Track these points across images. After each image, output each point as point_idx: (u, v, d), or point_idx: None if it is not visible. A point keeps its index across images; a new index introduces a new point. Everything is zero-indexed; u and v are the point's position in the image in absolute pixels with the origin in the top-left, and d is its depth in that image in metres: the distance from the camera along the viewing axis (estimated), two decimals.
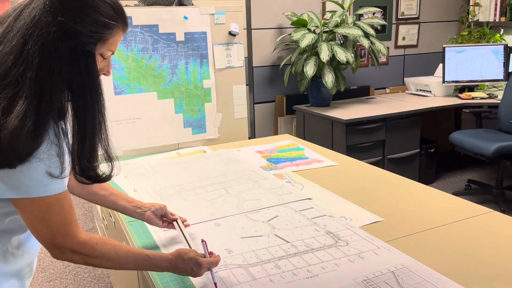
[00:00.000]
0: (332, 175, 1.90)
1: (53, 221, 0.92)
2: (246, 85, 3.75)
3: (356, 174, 1.91)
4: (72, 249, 0.94)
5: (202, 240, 1.15)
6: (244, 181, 1.83)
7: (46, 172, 0.88)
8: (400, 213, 1.48)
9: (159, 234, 1.37)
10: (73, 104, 0.89)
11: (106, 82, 2.19)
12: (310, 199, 1.62)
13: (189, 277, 1.09)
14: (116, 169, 1.03)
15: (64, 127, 0.91)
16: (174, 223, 1.35)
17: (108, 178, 1.02)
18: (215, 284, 1.06)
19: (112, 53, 0.98)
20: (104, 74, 1.00)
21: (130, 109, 2.28)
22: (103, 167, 1.01)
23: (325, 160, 2.10)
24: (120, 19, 0.95)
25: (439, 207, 1.52)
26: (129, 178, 1.93)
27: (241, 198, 1.65)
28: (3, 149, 0.82)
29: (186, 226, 1.37)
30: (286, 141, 2.48)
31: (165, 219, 1.36)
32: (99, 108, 0.92)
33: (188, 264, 1.06)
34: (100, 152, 0.97)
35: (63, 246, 0.94)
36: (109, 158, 1.00)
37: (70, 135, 0.93)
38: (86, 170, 0.94)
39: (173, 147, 2.42)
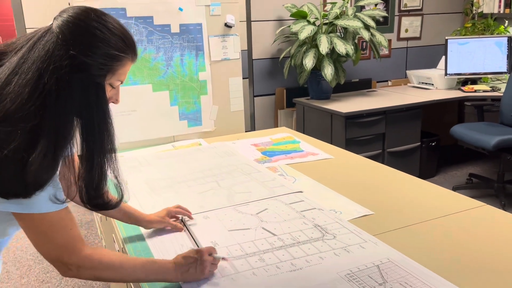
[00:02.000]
0: (326, 168, 1.88)
1: (56, 238, 0.92)
2: (245, 78, 3.75)
3: (350, 168, 1.89)
4: (78, 265, 0.94)
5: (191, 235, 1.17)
6: (237, 174, 1.82)
7: (53, 196, 0.90)
8: (391, 206, 1.47)
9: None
10: (82, 134, 0.90)
11: None
12: (301, 192, 1.60)
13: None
14: (126, 195, 1.05)
15: (70, 155, 0.93)
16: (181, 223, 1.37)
17: (116, 205, 1.03)
18: (223, 258, 1.11)
19: (121, 82, 1.00)
20: (113, 102, 1.02)
21: (125, 101, 2.27)
22: (112, 193, 1.03)
23: (320, 153, 2.09)
24: (130, 50, 0.96)
25: (431, 201, 1.50)
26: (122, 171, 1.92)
27: (232, 191, 1.64)
28: (28, 182, 0.84)
29: (190, 218, 1.39)
30: (282, 134, 2.47)
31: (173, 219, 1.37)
32: (108, 138, 0.93)
33: (189, 256, 1.06)
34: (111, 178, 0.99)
35: (69, 262, 0.94)
36: (119, 187, 1.01)
37: (76, 163, 0.95)
38: (93, 199, 0.95)
39: (168, 140, 2.41)
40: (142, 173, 1.88)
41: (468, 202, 1.47)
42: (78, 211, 3.42)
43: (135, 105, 2.30)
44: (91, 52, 0.88)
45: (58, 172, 0.90)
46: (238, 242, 1.25)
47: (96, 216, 2.39)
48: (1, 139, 0.83)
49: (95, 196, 0.95)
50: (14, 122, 0.83)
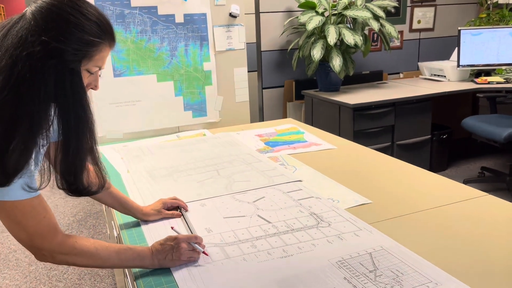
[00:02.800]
0: (328, 158, 1.86)
1: (28, 226, 0.92)
2: (254, 71, 3.74)
3: (352, 158, 1.87)
4: (51, 250, 0.95)
5: (172, 228, 1.18)
6: (237, 163, 1.82)
7: (25, 184, 0.90)
8: (389, 195, 1.45)
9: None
10: (58, 120, 0.90)
11: (105, 64, 2.21)
12: (300, 181, 1.59)
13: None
14: (107, 183, 1.05)
15: (45, 142, 0.92)
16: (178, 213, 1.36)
17: (96, 192, 1.03)
18: (203, 252, 1.09)
19: (100, 68, 0.99)
20: (92, 88, 1.01)
21: (130, 92, 2.28)
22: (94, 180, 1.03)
23: (323, 144, 2.07)
24: (106, 36, 0.95)
25: (432, 190, 1.47)
26: (124, 160, 1.94)
27: (231, 179, 1.64)
28: (8, 170, 0.84)
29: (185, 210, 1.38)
30: (287, 125, 2.45)
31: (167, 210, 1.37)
32: (85, 124, 0.93)
33: (166, 243, 1.06)
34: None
35: (43, 248, 0.94)
36: (99, 173, 1.01)
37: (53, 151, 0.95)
38: (71, 185, 0.95)
39: (173, 130, 2.42)
40: (145, 162, 1.89)
41: (471, 192, 1.44)
42: (87, 202, 3.47)
43: (139, 95, 2.31)
44: (63, 37, 0.87)
45: (32, 160, 0.89)
46: (232, 229, 1.24)
47: (104, 206, 2.42)
48: None
49: (73, 182, 0.95)
50: None
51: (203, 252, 1.10)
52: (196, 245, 1.09)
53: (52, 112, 0.89)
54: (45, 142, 0.91)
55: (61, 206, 3.45)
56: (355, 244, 1.13)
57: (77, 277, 2.53)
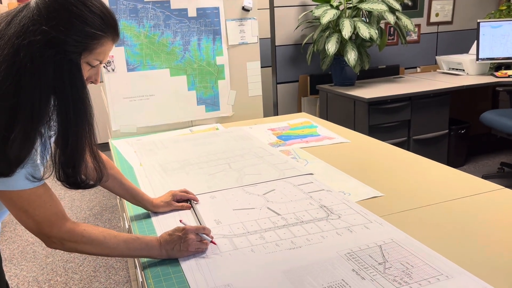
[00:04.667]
0: (341, 152, 1.84)
1: (36, 214, 0.93)
2: (269, 66, 3.72)
3: (365, 151, 1.84)
4: (60, 237, 0.96)
5: (180, 221, 1.18)
6: (249, 156, 1.81)
7: (28, 174, 0.90)
8: (402, 189, 1.42)
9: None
10: (57, 112, 0.90)
11: (119, 59, 2.23)
12: (311, 174, 1.58)
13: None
14: (105, 176, 1.05)
15: (52, 133, 0.93)
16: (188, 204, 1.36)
17: (94, 185, 1.03)
18: (212, 242, 1.09)
19: (101, 62, 0.98)
20: (92, 82, 1.01)
21: (143, 86, 2.30)
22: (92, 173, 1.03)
23: (336, 137, 2.05)
24: (109, 29, 0.94)
25: (446, 183, 1.44)
26: (137, 153, 1.95)
27: (242, 172, 1.63)
28: (11, 160, 0.85)
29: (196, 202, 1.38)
30: (300, 119, 2.44)
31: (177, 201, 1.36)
32: (84, 116, 0.92)
33: (174, 234, 1.07)
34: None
35: (51, 235, 0.95)
36: (97, 166, 1.01)
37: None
38: (69, 177, 0.95)
39: (186, 125, 2.43)
40: (158, 155, 1.90)
41: (486, 186, 1.40)
42: (103, 196, 3.51)
43: (153, 89, 2.32)
44: (64, 28, 0.87)
45: (35, 150, 0.90)
46: (241, 221, 1.24)
47: (118, 199, 2.45)
48: None
49: (72, 174, 0.95)
50: None
51: (211, 242, 1.10)
52: (204, 235, 1.09)
53: (51, 104, 0.89)
54: (52, 132, 0.92)
55: (77, 200, 3.50)
56: (364, 236, 1.11)
57: (92, 269, 2.56)
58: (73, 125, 0.91)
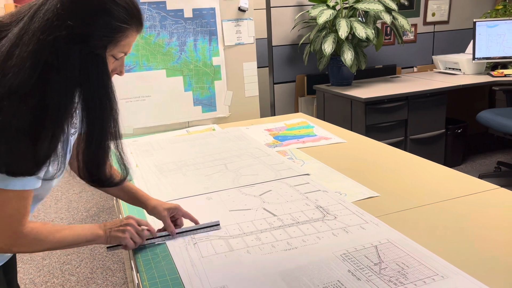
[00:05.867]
0: (337, 152, 1.84)
1: (1, 217, 0.87)
2: (265, 66, 3.72)
3: (361, 151, 1.84)
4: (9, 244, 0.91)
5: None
6: (246, 157, 1.81)
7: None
8: (397, 189, 1.42)
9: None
10: (82, 108, 0.88)
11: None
12: (308, 174, 1.58)
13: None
14: (130, 174, 1.02)
15: (73, 131, 0.92)
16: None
17: (119, 183, 1.01)
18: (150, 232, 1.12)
19: (125, 54, 0.96)
20: (117, 74, 0.98)
21: (140, 87, 2.29)
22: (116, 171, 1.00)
23: (333, 138, 2.05)
24: (133, 21, 0.92)
25: (441, 183, 1.44)
26: (134, 154, 1.95)
27: (238, 173, 1.63)
28: (39, 159, 0.83)
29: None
30: (297, 119, 2.44)
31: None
32: (110, 112, 0.90)
33: (117, 220, 1.07)
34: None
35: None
36: (123, 164, 0.99)
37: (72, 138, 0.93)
38: (93, 175, 0.94)
39: (183, 125, 2.42)
40: (154, 156, 1.90)
41: (482, 185, 1.40)
42: (100, 197, 3.51)
43: (149, 90, 2.31)
44: (90, 22, 0.85)
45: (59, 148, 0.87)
46: (237, 221, 1.24)
47: (115, 200, 2.44)
48: (10, 115, 0.80)
49: (96, 172, 0.93)
50: (20, 98, 0.81)
51: (151, 239, 1.10)
52: (145, 229, 1.09)
53: (77, 100, 0.87)
54: (73, 130, 0.89)
55: (74, 202, 3.49)
56: (360, 237, 1.11)
57: (89, 271, 2.56)
58: (99, 121, 0.89)
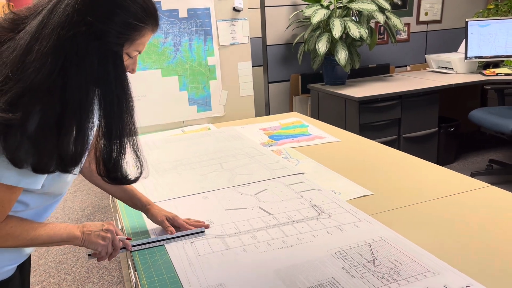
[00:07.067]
0: (331, 151, 1.86)
1: None
2: (260, 65, 3.73)
3: (355, 150, 1.87)
4: None
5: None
6: (241, 157, 1.83)
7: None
8: (391, 187, 1.45)
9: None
10: (100, 105, 0.88)
11: None
12: (302, 174, 1.60)
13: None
14: (145, 171, 1.01)
15: (92, 125, 0.90)
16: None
17: (134, 181, 1.00)
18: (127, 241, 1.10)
19: (139, 53, 0.96)
20: (129, 71, 0.98)
21: (135, 87, 2.25)
22: (131, 169, 0.99)
23: (327, 137, 2.07)
24: (150, 20, 0.92)
25: (434, 182, 1.47)
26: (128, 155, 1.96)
27: (234, 173, 1.65)
28: (68, 161, 0.84)
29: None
30: (291, 119, 2.46)
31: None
32: (127, 109, 0.90)
33: (97, 224, 1.05)
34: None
35: None
36: (139, 162, 0.98)
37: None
38: (111, 172, 0.94)
39: (178, 125, 2.44)
40: (150, 156, 1.91)
41: (473, 183, 1.43)
42: (95, 196, 3.51)
43: (144, 90, 2.32)
44: (109, 19, 0.85)
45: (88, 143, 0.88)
46: (233, 220, 1.26)
47: (112, 200, 2.45)
48: (32, 112, 0.80)
49: (113, 169, 0.93)
50: (42, 93, 0.81)
51: (127, 239, 1.10)
52: (123, 238, 1.08)
53: (94, 96, 0.87)
54: (91, 125, 0.89)
55: (69, 201, 3.49)
56: (354, 235, 1.13)
57: (85, 270, 2.56)
58: (118, 118, 0.89)
